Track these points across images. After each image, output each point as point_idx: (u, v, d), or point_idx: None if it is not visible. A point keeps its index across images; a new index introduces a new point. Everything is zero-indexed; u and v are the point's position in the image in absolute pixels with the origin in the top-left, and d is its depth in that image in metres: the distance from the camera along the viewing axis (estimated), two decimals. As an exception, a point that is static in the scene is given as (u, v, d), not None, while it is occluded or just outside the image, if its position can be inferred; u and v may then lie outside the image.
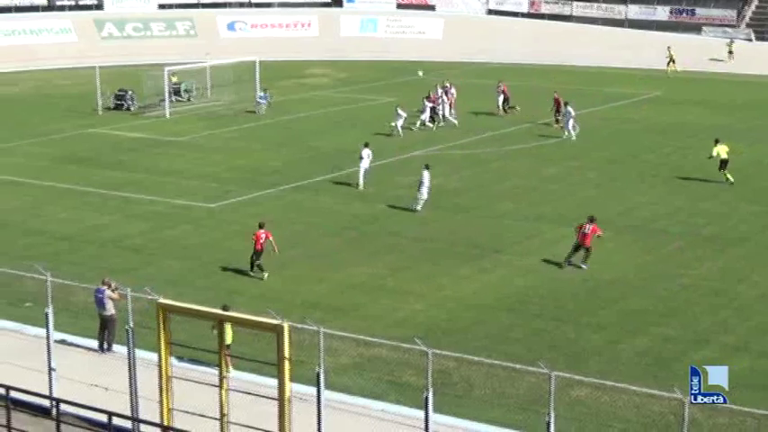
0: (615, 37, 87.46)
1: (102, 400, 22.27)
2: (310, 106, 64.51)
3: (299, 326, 21.73)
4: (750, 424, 21.09)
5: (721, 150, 44.44)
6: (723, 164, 44.31)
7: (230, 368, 22.62)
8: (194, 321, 23.02)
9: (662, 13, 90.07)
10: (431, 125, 56.50)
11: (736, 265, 34.15)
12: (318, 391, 20.75)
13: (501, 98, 60.69)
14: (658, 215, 39.85)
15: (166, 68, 62.98)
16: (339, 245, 36.45)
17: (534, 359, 22.63)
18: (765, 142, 53.07)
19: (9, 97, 69.09)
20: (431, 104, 57.08)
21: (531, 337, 28.11)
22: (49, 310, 23.79)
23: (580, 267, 33.43)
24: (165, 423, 21.16)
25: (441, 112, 57.47)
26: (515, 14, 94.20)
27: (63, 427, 21.38)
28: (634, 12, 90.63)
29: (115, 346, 26.46)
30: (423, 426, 20.43)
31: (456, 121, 57.33)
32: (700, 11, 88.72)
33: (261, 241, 32.70)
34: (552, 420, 19.41)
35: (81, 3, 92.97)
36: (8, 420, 21.35)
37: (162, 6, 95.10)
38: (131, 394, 22.24)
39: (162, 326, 20.99)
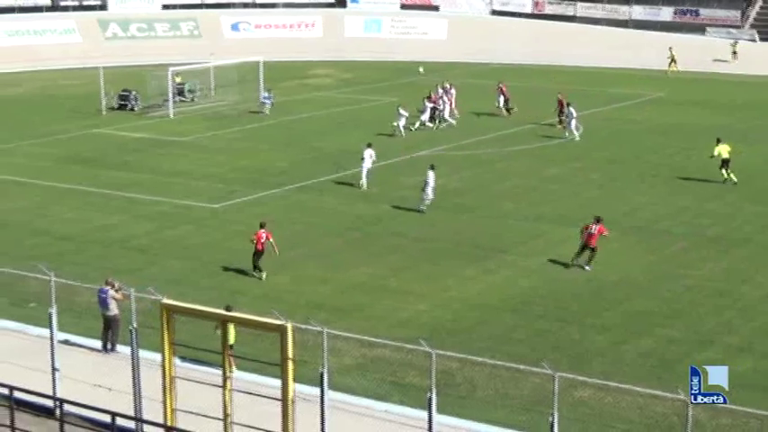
0: (618, 37, 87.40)
1: (105, 401, 22.29)
2: (314, 107, 64.51)
3: (303, 326, 21.73)
4: (753, 425, 21.04)
5: (723, 150, 44.43)
6: (725, 163, 44.31)
7: (234, 368, 22.64)
8: (197, 321, 23.02)
9: (666, 13, 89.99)
10: (430, 125, 56.51)
11: (740, 265, 34.12)
12: (322, 392, 20.76)
13: (501, 98, 60.62)
14: (662, 216, 39.83)
15: (170, 69, 63.01)
16: (343, 245, 36.45)
17: (538, 360, 22.61)
18: (768, 143, 53.11)
19: (13, 98, 69.15)
20: (431, 105, 57.10)
21: (534, 338, 28.10)
22: (53, 311, 23.82)
23: (584, 268, 33.41)
24: (169, 423, 21.16)
25: (441, 113, 57.49)
26: (519, 15, 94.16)
27: (66, 427, 21.39)
28: (638, 12, 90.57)
29: (118, 347, 26.47)
30: (426, 426, 20.44)
31: (454, 122, 57.29)
32: (704, 11, 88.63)
33: (261, 241, 32.73)
34: (556, 421, 19.41)
35: (85, 3, 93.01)
36: (12, 421, 21.36)
37: (166, 7, 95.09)
38: (135, 394, 22.25)
39: (166, 326, 20.99)
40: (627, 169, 47.34)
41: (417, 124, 55.92)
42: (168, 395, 21.22)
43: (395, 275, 33.16)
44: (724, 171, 44.26)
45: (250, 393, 21.41)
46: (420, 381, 23.57)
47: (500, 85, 61.45)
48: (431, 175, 40.07)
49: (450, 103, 58.62)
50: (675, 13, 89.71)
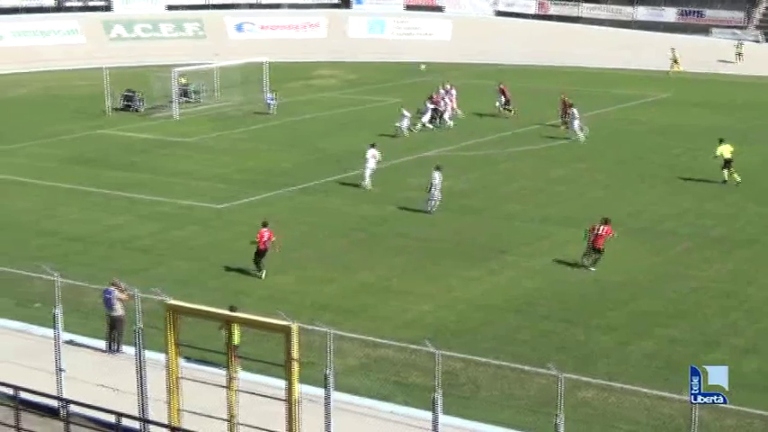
0: (622, 38, 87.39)
1: (110, 401, 22.32)
2: (318, 107, 64.53)
3: (309, 327, 21.73)
4: (758, 426, 21.07)
5: (725, 150, 44.44)
6: (727, 163, 44.32)
7: (239, 369, 22.64)
8: (202, 322, 23.02)
9: (670, 14, 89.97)
10: (430, 126, 56.47)
11: (745, 266, 34.08)
12: (327, 393, 20.76)
13: (502, 98, 60.54)
14: (666, 216, 39.80)
15: (175, 69, 63.05)
16: (348, 246, 36.46)
17: (543, 361, 22.60)
18: (773, 143, 53.07)
19: (18, 98, 69.22)
20: (432, 106, 57.10)
21: (539, 339, 28.08)
22: (58, 311, 23.82)
23: (589, 269, 33.39)
24: (174, 424, 21.16)
25: (442, 114, 57.50)
26: (523, 16, 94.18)
27: (71, 427, 21.40)
28: (642, 13, 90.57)
29: (124, 347, 26.47)
30: (431, 427, 20.44)
31: (452, 124, 57.24)
32: (708, 12, 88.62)
33: (264, 240, 32.76)
34: (561, 422, 19.39)
35: (89, 4, 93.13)
36: (17, 421, 21.38)
37: (170, 7, 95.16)
38: (140, 395, 22.26)
39: (171, 327, 20.99)
40: (631, 170, 47.31)
41: (419, 126, 55.91)
42: (173, 395, 21.22)
43: (400, 276, 33.15)
44: (726, 171, 44.27)
45: (255, 394, 21.40)
46: (425, 381, 23.56)
47: (500, 86, 61.42)
48: (436, 175, 40.04)
49: (452, 105, 58.62)
50: (680, 14, 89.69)
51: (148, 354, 22.72)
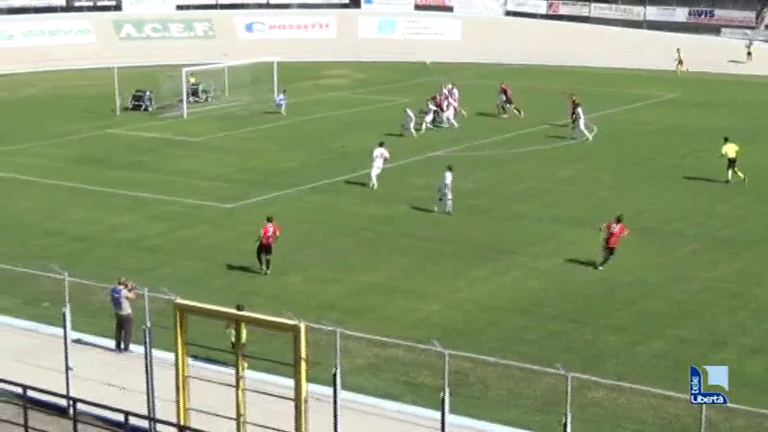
0: (633, 38, 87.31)
1: (118, 400, 22.36)
2: (328, 107, 64.54)
3: (316, 326, 21.73)
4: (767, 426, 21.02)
5: (730, 149, 44.39)
6: (731, 163, 44.27)
7: (245, 368, 22.63)
8: (209, 321, 23.04)
9: (680, 14, 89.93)
10: (431, 127, 56.40)
11: (752, 267, 34.02)
12: (335, 392, 20.76)
13: (502, 97, 60.43)
14: (673, 217, 39.73)
15: (184, 69, 63.17)
16: (355, 246, 36.46)
17: (551, 361, 22.58)
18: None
19: (27, 98, 69.35)
20: (434, 108, 57.07)
21: (547, 339, 28.05)
22: (67, 310, 23.86)
23: (597, 268, 33.37)
24: (182, 423, 21.18)
25: (445, 114, 57.48)
26: (533, 16, 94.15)
27: (80, 426, 21.41)
28: (652, 13, 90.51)
29: (132, 346, 26.50)
30: (439, 427, 20.41)
31: (456, 124, 57.18)
32: (718, 12, 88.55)
33: (268, 234, 32.80)
34: (569, 422, 19.36)
35: (99, 4, 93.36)
36: (25, 420, 21.41)
37: (180, 7, 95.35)
38: (148, 394, 22.28)
39: (179, 326, 21.01)
40: (638, 170, 47.25)
41: (424, 127, 55.90)
42: (181, 394, 21.25)
43: (407, 276, 33.15)
44: (730, 171, 44.20)
45: (263, 393, 21.42)
46: (433, 381, 23.57)
47: (502, 86, 61.33)
48: (448, 175, 40.01)
49: (455, 105, 58.58)
50: (690, 14, 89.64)
51: (156, 353, 22.75)
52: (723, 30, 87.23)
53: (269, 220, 33.37)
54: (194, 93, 65.24)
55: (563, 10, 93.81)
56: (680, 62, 77.92)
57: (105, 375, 24.58)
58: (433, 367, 23.40)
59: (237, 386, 20.95)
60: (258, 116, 61.33)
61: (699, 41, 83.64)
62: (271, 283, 32.39)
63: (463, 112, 58.89)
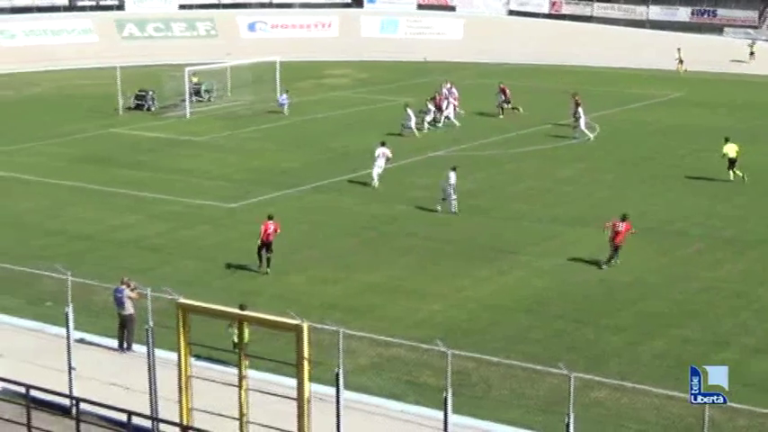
0: (635, 38, 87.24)
1: (121, 400, 22.36)
2: (329, 107, 64.54)
3: (319, 326, 21.73)
4: (770, 426, 21.03)
5: (730, 150, 44.37)
6: (731, 163, 44.26)
7: (246, 366, 22.64)
8: (211, 321, 23.05)
9: (683, 13, 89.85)
10: (431, 127, 56.35)
11: (755, 267, 33.98)
12: (338, 392, 20.77)
13: (501, 98, 60.39)
14: (674, 217, 39.70)
15: (187, 69, 63.15)
16: (357, 245, 36.46)
17: (553, 360, 22.54)
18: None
19: (30, 97, 69.38)
20: (434, 107, 57.03)
21: (550, 339, 28.05)
22: (69, 310, 23.87)
23: (600, 267, 33.37)
24: (185, 422, 21.19)
25: (445, 114, 57.45)
26: (536, 15, 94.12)
27: (83, 426, 21.42)
28: (655, 13, 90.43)
29: (134, 346, 26.51)
30: (442, 426, 20.42)
31: (447, 122, 57.14)
32: (721, 12, 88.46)
33: (269, 232, 32.83)
34: (572, 422, 19.36)
35: (102, 3, 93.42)
36: (28, 419, 21.42)
37: (183, 7, 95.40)
38: (151, 393, 22.29)
39: (182, 325, 21.02)
40: (639, 170, 47.20)
41: (426, 126, 55.89)
42: (184, 394, 21.25)
43: (409, 276, 33.14)
44: (731, 172, 44.18)
45: (266, 393, 21.42)
46: (436, 380, 23.57)
47: (501, 85, 61.28)
48: (452, 175, 40.00)
49: (455, 104, 58.54)
50: (693, 14, 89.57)
51: (159, 352, 22.76)
52: (726, 29, 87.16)
53: (269, 217, 33.42)
54: (197, 92, 65.23)
55: (566, 9, 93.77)
56: (680, 61, 77.88)
57: (108, 375, 24.59)
58: (436, 367, 23.42)
59: (240, 386, 20.95)
60: (260, 116, 61.32)
61: (701, 41, 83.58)
62: (273, 283, 32.40)
63: (461, 112, 58.86)
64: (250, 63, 68.41)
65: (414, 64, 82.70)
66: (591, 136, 53.55)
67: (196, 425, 21.02)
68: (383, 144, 44.83)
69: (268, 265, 33.11)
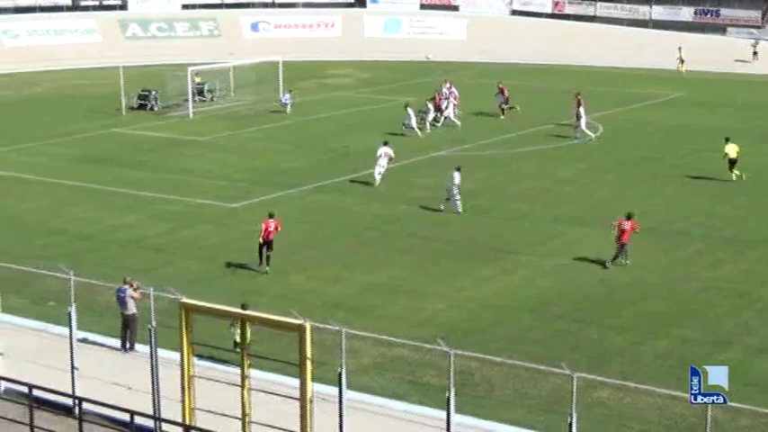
0: (638, 38, 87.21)
1: (124, 399, 22.39)
2: (332, 106, 64.56)
3: (322, 326, 21.74)
4: (773, 426, 21.01)
5: (731, 150, 44.36)
6: (732, 163, 44.24)
7: (250, 366, 22.66)
8: (213, 320, 23.06)
9: (686, 13, 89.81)
10: (433, 127, 56.33)
11: (757, 267, 33.93)
12: (340, 392, 20.77)
13: (501, 98, 60.37)
14: (675, 217, 39.67)
15: (190, 68, 63.20)
16: (360, 245, 36.46)
17: (556, 360, 22.56)
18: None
19: (33, 97, 69.44)
20: (434, 108, 57.01)
21: (552, 338, 28.04)
22: (72, 309, 23.89)
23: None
24: (188, 422, 21.20)
25: (446, 113, 57.43)
26: (539, 15, 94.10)
27: (85, 425, 21.45)
28: (658, 12, 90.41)
29: (137, 345, 26.53)
30: (444, 426, 20.43)
31: (448, 122, 57.15)
32: (724, 11, 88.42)
33: (269, 230, 32.84)
34: (574, 421, 19.36)
35: (105, 3, 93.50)
36: (31, 419, 21.45)
37: (186, 7, 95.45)
38: (153, 393, 22.30)
39: (185, 325, 21.03)
40: (640, 170, 47.16)
41: (428, 126, 55.88)
42: (187, 394, 21.27)
43: (412, 275, 33.14)
44: (733, 172, 44.17)
45: (268, 393, 21.43)
46: (438, 380, 23.56)
47: (500, 85, 61.25)
48: (456, 176, 39.99)
49: (455, 104, 58.52)
50: (696, 14, 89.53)
51: (162, 352, 22.76)
52: (729, 29, 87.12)
53: (270, 215, 33.46)
54: (200, 92, 65.29)
55: (569, 9, 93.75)
56: (681, 61, 77.84)
57: (111, 375, 24.59)
58: (439, 367, 23.40)
59: (243, 386, 20.96)
60: (263, 116, 61.34)
61: (705, 41, 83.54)
62: (275, 283, 32.40)
63: (459, 113, 58.73)
64: (253, 63, 68.45)
65: (417, 64, 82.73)
66: (592, 136, 53.54)
67: (199, 425, 21.04)
68: (386, 144, 44.84)
69: (267, 264, 33.10)
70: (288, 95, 62.82)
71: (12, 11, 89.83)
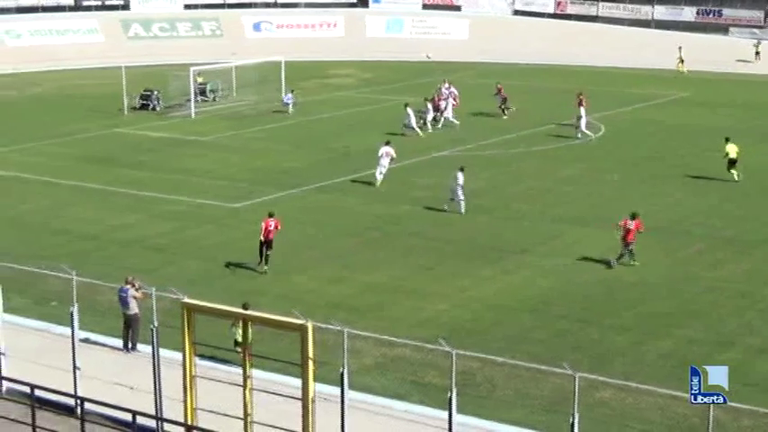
0: (640, 38, 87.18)
1: (126, 399, 22.40)
2: (334, 106, 64.56)
3: (324, 326, 21.74)
4: (775, 426, 21.01)
5: (731, 150, 44.35)
6: (731, 163, 44.22)
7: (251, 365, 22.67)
8: (214, 320, 23.06)
9: (688, 13, 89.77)
10: (429, 129, 56.31)
11: (759, 267, 33.91)
12: (342, 392, 20.77)
13: (499, 98, 60.32)
14: (678, 217, 39.67)
15: (192, 68, 63.18)
16: (361, 245, 36.46)
17: (558, 360, 22.57)
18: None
19: (35, 97, 69.46)
20: (433, 108, 56.99)
21: (554, 338, 28.04)
22: (74, 309, 23.90)
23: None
24: (190, 422, 21.21)
25: (445, 114, 57.41)
26: (541, 15, 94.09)
27: (87, 425, 21.47)
28: (660, 12, 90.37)
29: (139, 345, 26.54)
30: (446, 426, 20.42)
31: (447, 123, 57.14)
32: (726, 11, 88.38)
33: (269, 229, 32.85)
34: (576, 421, 19.36)
35: (107, 3, 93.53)
36: (33, 419, 21.46)
37: (188, 6, 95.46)
38: (155, 393, 22.31)
39: (186, 325, 21.04)
40: (642, 170, 47.13)
41: (429, 126, 55.87)
42: (189, 394, 21.28)
43: (413, 275, 33.15)
44: (733, 172, 44.15)
45: (270, 393, 21.44)
46: (440, 380, 23.58)
47: (498, 86, 61.21)
48: (460, 176, 39.98)
49: (455, 104, 58.49)
50: (698, 14, 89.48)
51: (164, 352, 22.76)
52: (731, 29, 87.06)
53: (270, 214, 33.48)
54: (202, 92, 65.30)
55: (571, 9, 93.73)
56: (681, 61, 77.82)
57: (113, 375, 24.61)
58: (441, 367, 23.42)
59: (245, 386, 20.98)
60: (265, 115, 61.35)
61: (707, 41, 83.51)
62: (277, 283, 32.41)
63: (455, 113, 58.67)
64: (255, 63, 68.50)
65: (419, 64, 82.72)
66: (592, 136, 53.51)
67: (201, 425, 21.06)
68: (387, 143, 44.84)
69: (266, 263, 33.08)
70: (290, 95, 62.83)
71: (14, 11, 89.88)
